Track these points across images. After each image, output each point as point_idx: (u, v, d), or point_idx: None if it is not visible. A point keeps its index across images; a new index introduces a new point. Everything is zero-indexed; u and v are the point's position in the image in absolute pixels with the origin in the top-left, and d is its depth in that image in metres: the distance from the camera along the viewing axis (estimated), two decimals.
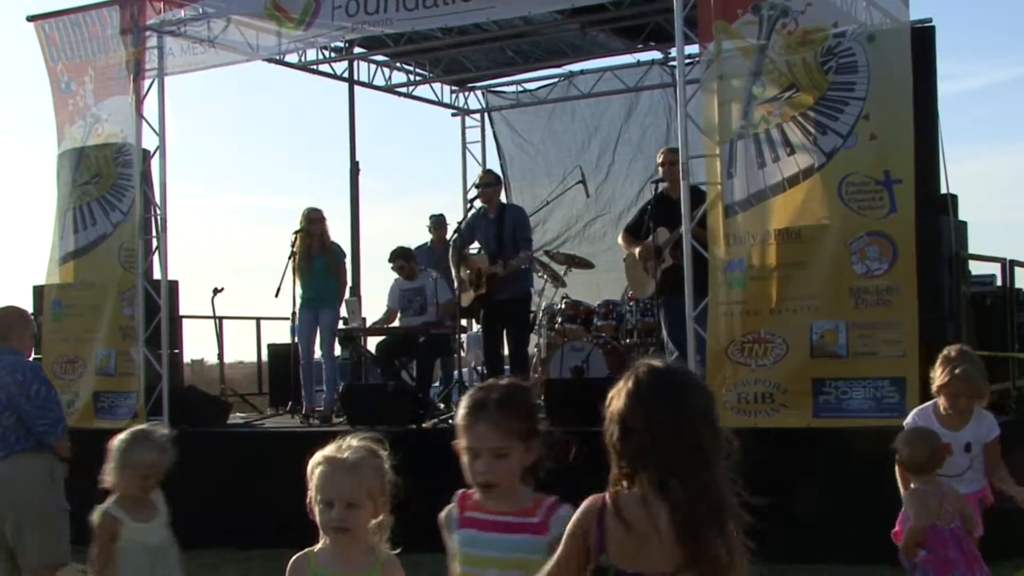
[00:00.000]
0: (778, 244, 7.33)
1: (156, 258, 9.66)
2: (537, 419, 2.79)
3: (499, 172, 12.65)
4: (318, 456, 2.94)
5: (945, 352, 4.95)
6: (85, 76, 10.01)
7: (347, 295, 10.57)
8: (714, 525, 2.23)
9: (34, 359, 10.10)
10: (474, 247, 9.80)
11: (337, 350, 11.63)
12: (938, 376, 4.87)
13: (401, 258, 10.30)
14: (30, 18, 10.39)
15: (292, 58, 11.41)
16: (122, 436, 4.22)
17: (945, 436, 4.75)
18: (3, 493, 5.64)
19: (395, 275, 10.39)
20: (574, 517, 2.39)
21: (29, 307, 10.38)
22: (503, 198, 10.26)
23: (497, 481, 2.71)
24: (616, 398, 2.37)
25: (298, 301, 9.89)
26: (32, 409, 5.64)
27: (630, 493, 2.30)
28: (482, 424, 2.70)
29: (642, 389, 2.33)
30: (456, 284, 9.63)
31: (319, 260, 9.81)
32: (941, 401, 4.93)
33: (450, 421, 8.93)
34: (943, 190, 7.43)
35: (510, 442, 2.71)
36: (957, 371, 4.79)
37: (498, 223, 9.39)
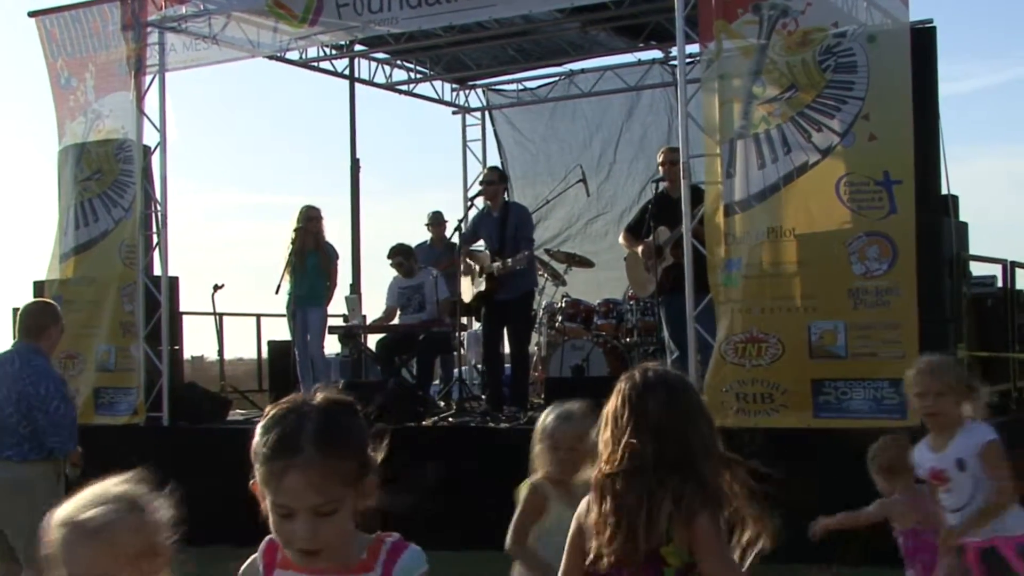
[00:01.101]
0: (776, 244, 7.33)
1: (157, 254, 9.67)
2: (368, 445, 2.06)
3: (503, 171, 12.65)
4: (58, 516, 2.07)
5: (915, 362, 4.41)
6: (86, 72, 10.01)
7: (347, 292, 10.58)
8: (687, 516, 2.47)
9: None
10: (479, 244, 9.81)
11: (337, 347, 11.63)
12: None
13: (400, 255, 10.30)
14: (31, 13, 10.40)
15: (293, 55, 11.41)
16: (550, 414, 3.92)
17: (936, 462, 4.11)
18: (12, 497, 5.67)
19: (394, 273, 10.39)
20: (574, 516, 2.63)
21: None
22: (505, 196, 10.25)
23: (322, 547, 2.00)
24: (609, 400, 2.62)
25: (287, 298, 9.87)
26: (48, 425, 5.67)
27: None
28: (294, 475, 1.94)
29: (631, 390, 2.58)
30: (469, 278, 9.61)
31: (312, 259, 9.79)
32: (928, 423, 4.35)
33: (450, 419, 8.94)
34: (944, 191, 7.43)
35: (337, 494, 1.97)
36: (920, 364, 4.20)
37: (501, 221, 9.40)
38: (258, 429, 2.02)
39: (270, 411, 2.04)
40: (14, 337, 5.94)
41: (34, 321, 5.88)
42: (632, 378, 2.63)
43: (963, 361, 4.43)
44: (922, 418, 4.30)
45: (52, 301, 6.33)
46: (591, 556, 2.57)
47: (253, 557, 2.25)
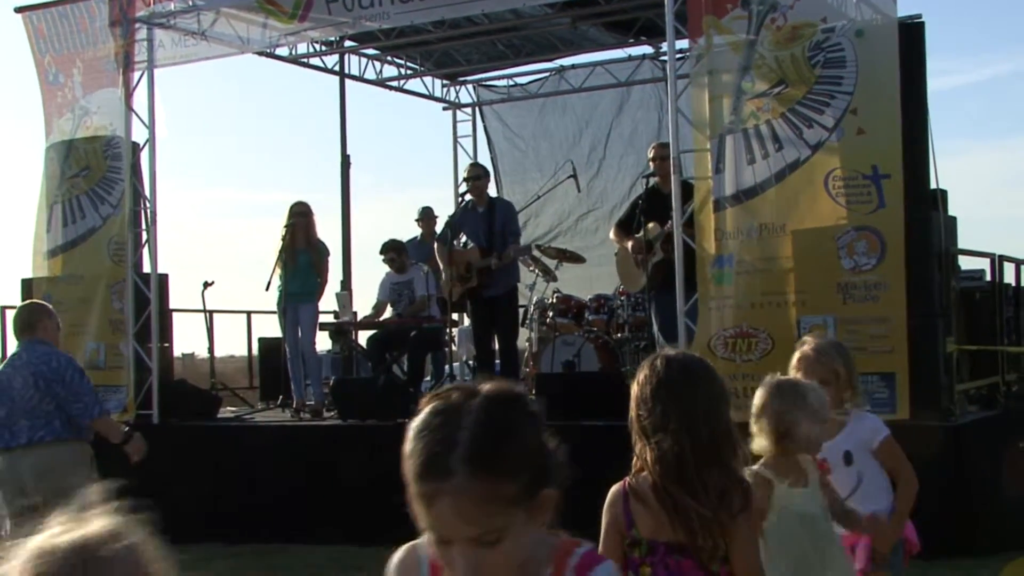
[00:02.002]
0: (766, 239, 7.35)
1: (146, 251, 9.64)
2: (544, 449, 1.69)
3: (489, 166, 12.65)
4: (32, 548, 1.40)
5: (800, 339, 4.16)
6: (73, 68, 9.97)
7: (337, 289, 10.56)
8: (713, 499, 2.57)
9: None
10: (462, 241, 9.78)
11: (328, 344, 11.62)
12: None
13: (392, 251, 10.30)
14: (17, 9, 10.34)
15: (283, 51, 11.39)
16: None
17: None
18: (48, 479, 5.82)
19: (386, 269, 10.39)
20: (605, 506, 2.72)
21: (17, 300, 10.38)
22: (493, 192, 10.25)
23: None
24: (634, 384, 2.70)
25: (277, 294, 9.85)
26: (67, 395, 5.91)
27: (643, 477, 2.66)
28: (444, 503, 1.57)
29: (658, 375, 2.67)
30: (445, 277, 9.60)
31: (303, 255, 9.75)
32: None
33: None
34: (933, 185, 7.44)
35: (501, 521, 1.59)
36: (805, 349, 3.88)
37: (488, 217, 9.37)
38: (410, 430, 1.64)
39: (425, 406, 1.65)
40: (16, 339, 6.18)
41: (26, 318, 6.14)
42: (658, 365, 2.69)
43: (845, 347, 4.05)
44: None
45: (41, 301, 6.51)
46: (628, 541, 2.66)
47: (414, 545, 1.83)
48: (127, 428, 6.27)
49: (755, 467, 3.32)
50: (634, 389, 2.69)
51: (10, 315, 10.84)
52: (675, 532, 2.59)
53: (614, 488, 2.72)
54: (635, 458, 2.70)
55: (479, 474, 1.55)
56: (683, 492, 2.57)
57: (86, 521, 1.44)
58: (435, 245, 9.87)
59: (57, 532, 1.42)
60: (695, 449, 2.59)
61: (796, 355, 3.92)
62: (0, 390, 5.95)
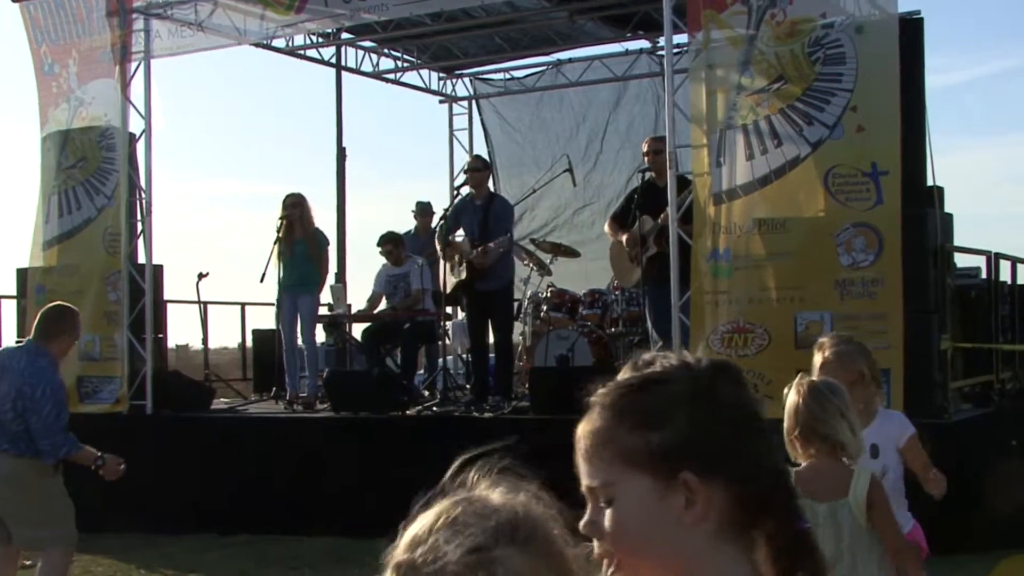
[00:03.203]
0: (764, 235, 7.34)
1: (141, 242, 9.61)
2: (723, 427, 1.41)
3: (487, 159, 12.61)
4: None
5: (818, 341, 4.13)
6: (69, 59, 9.94)
7: (332, 281, 10.54)
8: None
9: (16, 342, 10.09)
10: (459, 234, 9.75)
11: (322, 336, 11.60)
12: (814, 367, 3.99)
13: (390, 243, 10.28)
14: None
15: (280, 43, 11.35)
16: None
17: None
18: (8, 488, 5.75)
19: (382, 261, 10.37)
20: None
21: (12, 290, 10.36)
22: (491, 186, 10.21)
23: None
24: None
25: (277, 287, 9.83)
26: (39, 428, 5.71)
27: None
28: (579, 432, 1.49)
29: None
30: (447, 268, 9.57)
31: (299, 246, 9.72)
32: None
33: (434, 409, 8.93)
34: (929, 182, 7.45)
35: (615, 472, 1.42)
36: (828, 354, 3.91)
37: (484, 211, 9.35)
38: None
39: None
40: (32, 333, 6.00)
41: (49, 326, 5.95)
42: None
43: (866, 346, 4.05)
44: None
45: (75, 308, 6.26)
46: None
47: None
48: (98, 455, 5.97)
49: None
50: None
51: (5, 305, 10.92)
52: None
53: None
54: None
55: (606, 411, 1.43)
56: None
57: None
58: (436, 235, 9.86)
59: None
60: None
61: (817, 359, 3.93)
62: None
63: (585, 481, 1.42)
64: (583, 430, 1.44)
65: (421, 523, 1.31)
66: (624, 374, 1.47)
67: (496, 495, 1.33)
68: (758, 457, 1.40)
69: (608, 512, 1.38)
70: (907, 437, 3.99)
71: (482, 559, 1.23)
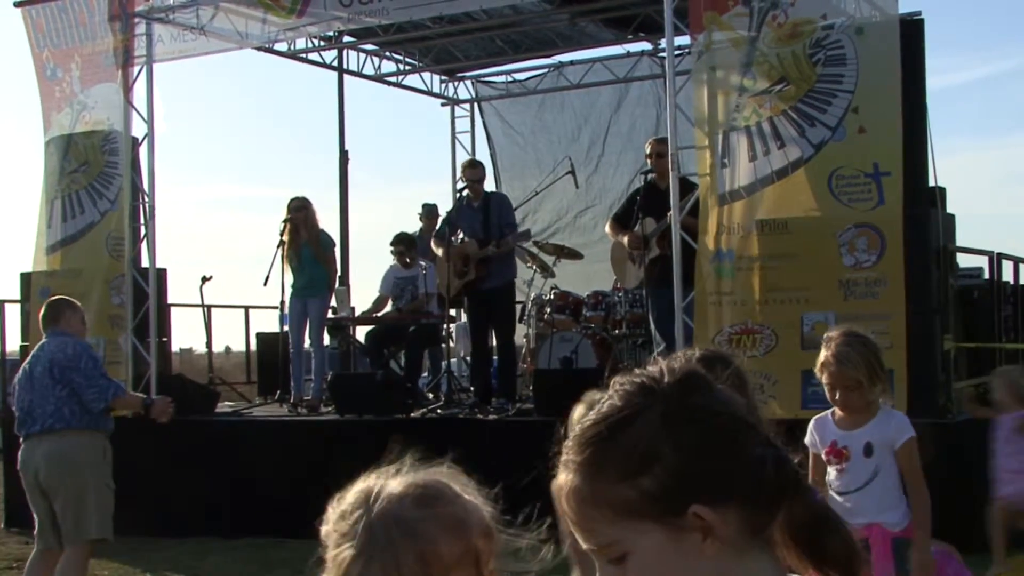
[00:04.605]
0: (767, 236, 7.35)
1: (144, 246, 9.64)
2: (706, 449, 1.31)
3: (488, 162, 12.62)
4: None
5: (824, 336, 3.98)
6: (71, 63, 9.96)
7: (336, 284, 10.56)
8: None
9: (21, 346, 10.11)
10: (459, 236, 9.76)
11: (326, 339, 11.62)
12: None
13: (402, 244, 10.32)
14: (17, 3, 10.33)
15: (281, 46, 11.38)
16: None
17: (840, 438, 3.90)
18: (57, 469, 5.93)
19: (389, 263, 10.39)
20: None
21: (16, 294, 10.38)
22: (491, 187, 10.24)
23: None
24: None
25: (288, 290, 9.87)
26: (81, 381, 5.97)
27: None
28: (562, 501, 1.37)
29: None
30: (450, 270, 9.58)
31: (306, 249, 9.76)
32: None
33: (438, 411, 8.94)
34: (931, 183, 7.46)
35: (618, 530, 1.31)
36: (829, 353, 3.83)
37: (483, 211, 9.37)
38: None
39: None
40: (43, 333, 6.31)
41: (50, 312, 6.27)
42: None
43: (873, 340, 4.01)
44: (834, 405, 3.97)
45: (67, 296, 6.61)
46: None
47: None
48: (145, 396, 6.35)
49: None
50: None
51: (9, 309, 10.95)
52: None
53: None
54: None
55: (582, 470, 1.30)
56: None
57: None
58: (432, 241, 9.86)
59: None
60: None
61: (820, 357, 3.87)
62: (25, 379, 6.10)
63: (584, 545, 1.31)
64: (563, 492, 1.32)
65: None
66: (582, 414, 1.38)
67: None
68: (758, 458, 1.29)
69: (624, 570, 1.28)
70: (904, 440, 3.88)
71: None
